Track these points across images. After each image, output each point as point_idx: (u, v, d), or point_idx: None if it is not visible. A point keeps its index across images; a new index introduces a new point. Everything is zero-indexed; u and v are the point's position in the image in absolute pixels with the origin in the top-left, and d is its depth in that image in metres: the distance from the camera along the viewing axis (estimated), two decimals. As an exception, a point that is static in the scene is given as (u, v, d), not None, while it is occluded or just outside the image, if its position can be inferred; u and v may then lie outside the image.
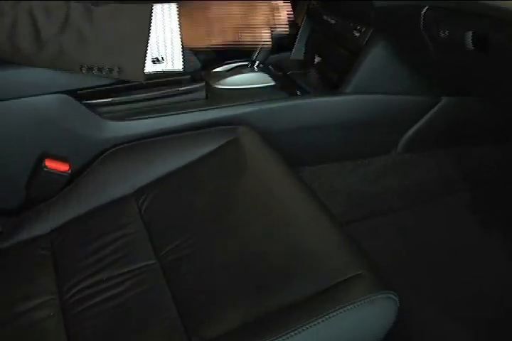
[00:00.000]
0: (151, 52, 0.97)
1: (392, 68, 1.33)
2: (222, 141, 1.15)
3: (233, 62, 1.40)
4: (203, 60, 1.34)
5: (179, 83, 1.27)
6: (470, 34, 0.98)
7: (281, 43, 1.44)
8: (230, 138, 1.16)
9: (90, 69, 0.98)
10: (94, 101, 1.18)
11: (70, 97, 1.13)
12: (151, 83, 1.24)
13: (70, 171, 1.13)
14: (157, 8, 0.97)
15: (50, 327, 0.92)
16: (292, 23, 1.13)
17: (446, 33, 1.05)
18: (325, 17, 1.42)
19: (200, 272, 0.92)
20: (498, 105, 1.40)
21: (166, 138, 1.18)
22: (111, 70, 0.97)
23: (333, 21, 1.39)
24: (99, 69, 0.98)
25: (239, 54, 1.40)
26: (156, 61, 0.98)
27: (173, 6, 0.98)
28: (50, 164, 1.12)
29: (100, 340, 0.88)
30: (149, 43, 0.96)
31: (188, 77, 1.29)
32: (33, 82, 1.10)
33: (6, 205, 1.17)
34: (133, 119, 1.20)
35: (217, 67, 1.40)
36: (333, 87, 1.39)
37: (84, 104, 1.16)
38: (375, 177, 1.58)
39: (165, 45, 0.97)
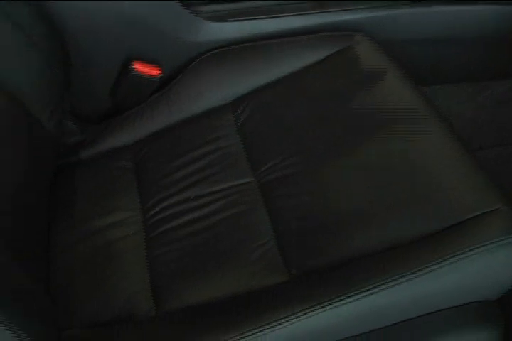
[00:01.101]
0: None
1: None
2: (335, 49, 1.00)
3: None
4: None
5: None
6: None
7: None
8: (344, 45, 1.00)
9: None
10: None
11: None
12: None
13: (160, 76, 1.00)
14: None
15: (129, 247, 0.82)
16: None
17: None
18: None
19: (307, 196, 0.79)
20: None
21: (269, 42, 1.03)
22: None
23: None
24: None
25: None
26: None
27: None
28: (139, 67, 1.00)
29: (184, 266, 0.78)
30: None
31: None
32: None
33: (89, 112, 1.06)
34: (233, 20, 1.04)
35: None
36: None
37: (179, 1, 1.01)
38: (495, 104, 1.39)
39: None
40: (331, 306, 0.64)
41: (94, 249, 0.82)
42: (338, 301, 0.64)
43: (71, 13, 0.95)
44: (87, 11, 0.96)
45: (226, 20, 1.04)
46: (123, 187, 0.91)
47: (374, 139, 0.82)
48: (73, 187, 0.94)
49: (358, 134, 0.84)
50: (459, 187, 0.75)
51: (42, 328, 0.66)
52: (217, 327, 0.67)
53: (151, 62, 1.01)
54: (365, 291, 0.64)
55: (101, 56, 1.02)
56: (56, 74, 0.92)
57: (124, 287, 0.78)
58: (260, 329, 0.64)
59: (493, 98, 1.41)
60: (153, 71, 1.00)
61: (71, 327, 0.74)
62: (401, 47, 1.12)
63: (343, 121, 0.87)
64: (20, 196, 0.75)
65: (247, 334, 0.64)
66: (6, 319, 0.56)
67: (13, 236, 0.70)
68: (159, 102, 1.00)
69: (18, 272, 0.67)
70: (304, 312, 0.64)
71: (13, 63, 0.84)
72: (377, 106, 0.88)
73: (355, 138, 0.83)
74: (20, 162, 0.78)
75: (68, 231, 0.86)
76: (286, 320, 0.64)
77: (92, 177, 0.95)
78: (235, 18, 1.05)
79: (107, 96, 1.06)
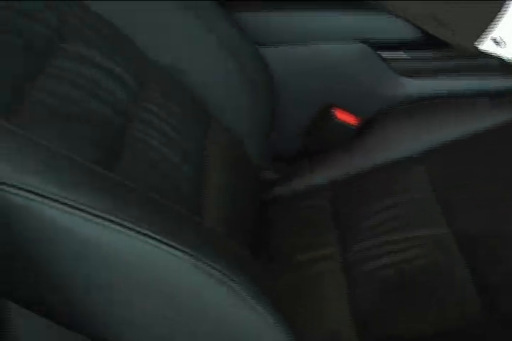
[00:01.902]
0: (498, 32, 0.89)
1: None
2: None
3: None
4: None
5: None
6: None
7: None
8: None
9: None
10: (389, 55, 1.12)
11: (369, 48, 1.08)
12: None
13: (357, 124, 1.09)
14: None
15: (331, 281, 0.90)
16: None
17: None
18: None
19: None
20: None
21: (459, 101, 1.10)
22: (446, 26, 0.90)
23: None
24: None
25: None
26: (496, 42, 0.91)
27: None
28: (338, 114, 1.08)
29: (385, 304, 0.85)
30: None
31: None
32: (330, 28, 1.07)
33: (283, 151, 1.16)
34: (425, 78, 1.12)
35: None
36: None
37: (379, 56, 1.10)
38: None
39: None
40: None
41: (301, 279, 0.90)
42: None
43: (287, 58, 1.06)
44: (300, 59, 1.06)
45: (417, 77, 1.12)
46: (320, 225, 0.99)
47: None
48: (269, 223, 1.02)
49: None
50: None
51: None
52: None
53: (349, 110, 1.09)
54: None
55: (303, 99, 1.11)
56: (265, 112, 1.02)
57: (326, 319, 0.85)
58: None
59: None
60: (351, 119, 1.08)
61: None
62: None
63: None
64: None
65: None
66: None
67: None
68: (353, 148, 1.09)
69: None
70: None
71: (229, 98, 0.95)
72: None
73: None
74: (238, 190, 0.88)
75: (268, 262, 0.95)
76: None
77: (288, 214, 1.03)
78: (428, 76, 1.12)
79: (301, 137, 1.15)
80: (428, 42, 1.11)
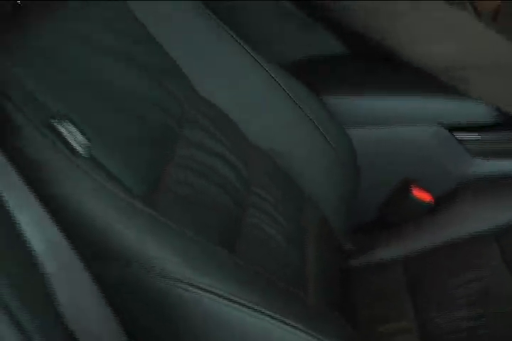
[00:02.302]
0: None
1: None
2: None
3: None
4: None
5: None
6: None
7: None
8: None
9: None
10: (464, 136, 1.20)
11: (446, 131, 1.16)
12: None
13: (431, 201, 1.16)
14: None
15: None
16: None
17: None
18: None
19: None
20: None
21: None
22: None
23: None
24: None
25: None
26: None
27: None
28: (415, 192, 1.16)
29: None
30: None
31: None
32: (409, 112, 1.16)
33: (361, 223, 1.23)
34: (498, 159, 1.19)
35: None
36: None
37: (455, 138, 1.18)
38: None
39: None
40: None
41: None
42: None
43: (370, 139, 1.14)
44: (382, 140, 1.15)
45: (490, 158, 1.20)
46: (396, 297, 1.05)
47: None
48: (343, 293, 1.09)
49: None
50: None
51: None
52: None
53: (425, 187, 1.17)
54: None
55: (384, 175, 1.20)
56: (351, 190, 1.10)
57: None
58: None
59: None
60: (426, 197, 1.15)
61: None
62: None
63: None
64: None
65: None
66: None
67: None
68: (427, 223, 1.15)
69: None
70: None
71: (322, 178, 1.03)
72: None
73: None
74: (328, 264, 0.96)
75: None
76: None
77: (362, 285, 1.10)
78: (501, 157, 1.19)
79: (379, 210, 1.23)
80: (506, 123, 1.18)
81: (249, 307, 0.58)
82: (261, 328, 0.60)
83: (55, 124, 0.59)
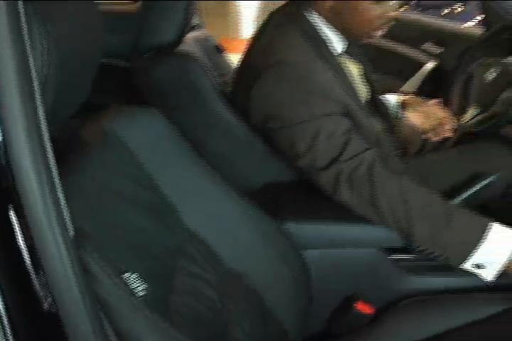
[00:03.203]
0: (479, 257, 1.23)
1: None
2: (506, 306, 1.33)
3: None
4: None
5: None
6: None
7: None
8: (512, 305, 1.33)
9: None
10: (398, 256, 1.42)
11: (381, 253, 1.38)
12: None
13: (372, 313, 1.35)
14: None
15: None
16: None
17: None
18: None
19: None
20: None
21: (453, 296, 1.38)
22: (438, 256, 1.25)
23: None
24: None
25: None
26: (476, 266, 1.24)
27: None
28: (359, 305, 1.35)
29: None
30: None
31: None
32: (354, 236, 1.38)
33: (312, 333, 1.41)
34: (425, 276, 1.42)
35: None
36: None
37: (391, 259, 1.40)
38: None
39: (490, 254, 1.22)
40: None
41: None
42: None
43: (322, 259, 1.36)
44: (331, 260, 1.36)
45: (419, 275, 1.41)
46: None
47: None
48: None
49: None
50: None
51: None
52: None
53: (367, 302, 1.36)
54: None
55: (332, 291, 1.39)
56: (306, 306, 1.28)
57: None
58: None
59: None
60: (369, 310, 1.35)
61: None
62: None
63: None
64: None
65: None
66: None
67: None
68: (369, 333, 1.34)
69: None
70: None
71: (282, 298, 1.21)
72: None
73: None
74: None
75: None
76: None
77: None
78: (428, 273, 1.42)
79: (326, 322, 1.41)
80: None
81: None
82: None
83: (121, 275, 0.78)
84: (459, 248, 1.25)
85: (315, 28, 1.43)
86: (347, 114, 1.36)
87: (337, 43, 1.48)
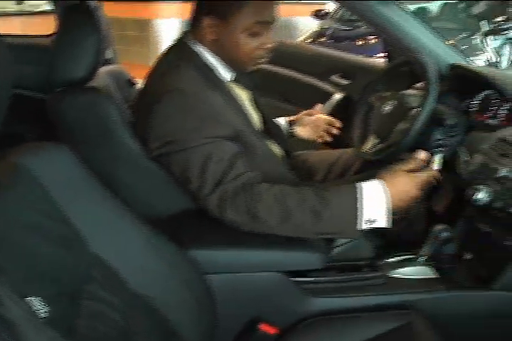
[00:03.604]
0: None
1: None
2: (396, 324, 1.43)
3: (402, 255, 1.71)
4: (377, 249, 1.67)
5: (359, 270, 1.60)
6: None
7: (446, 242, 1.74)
8: (402, 322, 1.44)
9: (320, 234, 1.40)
10: (300, 279, 1.51)
11: (283, 276, 1.47)
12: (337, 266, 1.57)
13: (276, 333, 1.43)
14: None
15: None
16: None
17: None
18: (480, 225, 1.72)
19: None
20: None
21: (350, 316, 1.48)
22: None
23: (487, 230, 1.70)
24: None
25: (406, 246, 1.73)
26: (370, 223, 1.40)
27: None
28: (263, 327, 1.43)
29: None
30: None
31: (366, 263, 1.61)
32: (255, 261, 1.46)
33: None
34: (324, 296, 1.52)
35: (388, 257, 1.71)
36: (484, 282, 1.65)
37: (293, 282, 1.49)
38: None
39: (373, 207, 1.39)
40: None
41: None
42: None
43: (226, 283, 1.44)
44: (237, 284, 1.45)
45: (318, 297, 1.51)
46: None
47: None
48: None
49: None
50: None
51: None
52: None
53: (271, 323, 1.44)
54: None
55: (235, 313, 1.47)
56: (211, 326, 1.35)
57: None
58: None
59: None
60: (272, 330, 1.43)
61: None
62: (442, 322, 1.55)
63: None
64: None
65: None
66: None
67: None
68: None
69: None
70: None
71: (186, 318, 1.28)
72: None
73: None
74: None
75: None
76: None
77: None
78: (326, 295, 1.51)
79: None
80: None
81: None
82: None
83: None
84: (345, 219, 1.40)
85: (202, 59, 1.58)
86: (237, 138, 1.49)
87: (225, 72, 1.63)
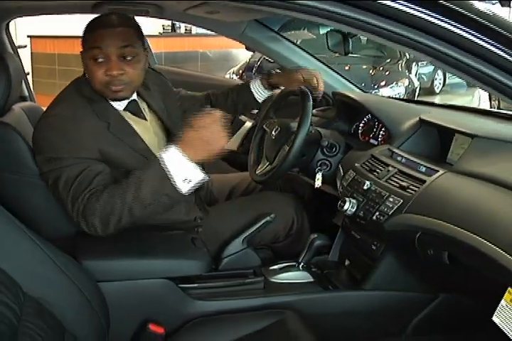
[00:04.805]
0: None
1: (399, 271, 1.83)
2: (272, 320, 1.64)
3: (285, 262, 1.94)
4: (263, 259, 1.90)
5: (245, 276, 1.82)
6: (446, 254, 1.49)
7: (321, 249, 1.97)
8: (276, 319, 1.64)
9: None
10: (187, 285, 1.72)
11: (170, 282, 1.68)
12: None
13: (164, 333, 1.63)
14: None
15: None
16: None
17: (432, 251, 1.56)
18: (353, 232, 1.96)
19: None
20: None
21: (231, 316, 1.69)
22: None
23: (358, 236, 1.93)
24: None
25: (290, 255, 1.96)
26: (188, 182, 1.60)
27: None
28: (152, 327, 1.62)
29: None
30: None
31: (251, 271, 1.84)
32: (143, 269, 1.67)
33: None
34: (208, 300, 1.74)
35: (273, 265, 1.93)
36: (357, 284, 1.89)
37: (180, 287, 1.70)
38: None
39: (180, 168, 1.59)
40: None
41: None
42: None
43: (119, 290, 1.63)
44: (128, 290, 1.66)
45: (203, 300, 1.73)
46: None
47: None
48: None
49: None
50: None
51: None
52: None
53: (160, 324, 1.64)
54: None
55: (128, 316, 1.66)
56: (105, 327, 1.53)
57: None
58: None
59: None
60: (160, 330, 1.62)
61: None
62: (315, 319, 1.76)
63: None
64: None
65: None
66: None
67: None
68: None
69: None
70: None
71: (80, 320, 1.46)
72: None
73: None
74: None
75: None
76: None
77: None
78: (211, 298, 1.73)
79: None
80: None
81: None
82: None
83: None
84: (164, 185, 1.58)
85: (92, 91, 1.75)
86: (106, 159, 1.69)
87: (115, 102, 1.79)
